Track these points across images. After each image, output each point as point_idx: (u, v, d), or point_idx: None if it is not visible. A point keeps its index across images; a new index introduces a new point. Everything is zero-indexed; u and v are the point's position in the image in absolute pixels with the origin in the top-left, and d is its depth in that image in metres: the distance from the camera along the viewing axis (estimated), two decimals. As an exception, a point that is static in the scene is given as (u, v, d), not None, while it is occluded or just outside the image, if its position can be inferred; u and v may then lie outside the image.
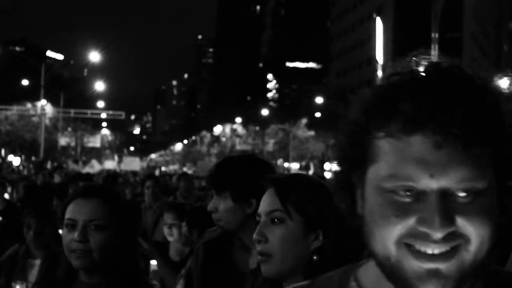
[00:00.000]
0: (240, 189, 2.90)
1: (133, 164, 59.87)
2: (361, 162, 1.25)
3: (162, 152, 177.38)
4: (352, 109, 1.28)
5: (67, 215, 2.54)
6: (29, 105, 60.16)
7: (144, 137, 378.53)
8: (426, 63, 1.22)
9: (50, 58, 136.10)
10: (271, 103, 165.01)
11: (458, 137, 1.12)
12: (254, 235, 2.11)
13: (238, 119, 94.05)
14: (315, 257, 2.05)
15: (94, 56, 51.05)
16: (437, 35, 46.57)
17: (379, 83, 1.25)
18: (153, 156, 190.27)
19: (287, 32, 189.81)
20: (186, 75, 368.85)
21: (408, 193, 1.14)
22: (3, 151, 67.17)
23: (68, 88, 65.13)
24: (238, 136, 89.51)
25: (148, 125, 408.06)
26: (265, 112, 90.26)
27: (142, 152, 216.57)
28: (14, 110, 59.64)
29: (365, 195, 1.24)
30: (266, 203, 2.14)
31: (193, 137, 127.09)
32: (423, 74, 1.20)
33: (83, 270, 2.54)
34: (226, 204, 2.93)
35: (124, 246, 2.58)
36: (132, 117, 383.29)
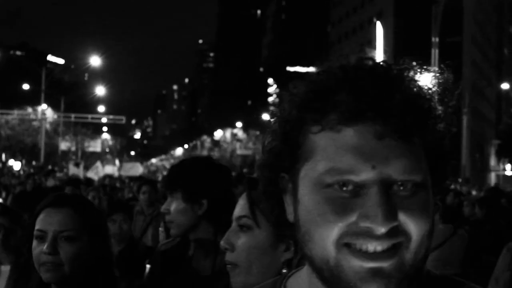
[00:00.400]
0: (190, 189, 2.87)
1: (133, 169, 59.12)
2: (294, 161, 1.20)
3: (163, 157, 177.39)
4: (282, 107, 1.24)
5: (36, 226, 2.40)
6: (29, 110, 60.20)
7: (145, 141, 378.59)
8: (355, 59, 1.19)
9: (51, 62, 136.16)
10: (272, 108, 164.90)
11: (399, 127, 1.10)
12: (221, 242, 1.95)
13: (239, 124, 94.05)
14: (284, 270, 1.80)
15: (95, 61, 51.10)
16: (437, 39, 46.59)
17: (310, 79, 1.20)
18: (153, 160, 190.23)
19: (287, 36, 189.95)
20: (186, 80, 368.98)
21: (348, 187, 1.10)
22: (3, 156, 67.16)
23: (69, 93, 65.08)
24: (239, 140, 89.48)
25: (149, 130, 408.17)
26: (265, 116, 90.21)
27: (142, 157, 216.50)
28: (14, 115, 59.66)
29: (299, 196, 1.17)
30: (238, 207, 1.96)
31: (194, 142, 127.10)
32: (355, 68, 1.17)
33: (54, 283, 2.39)
34: (178, 205, 2.89)
35: (97, 257, 2.43)
36: (133, 121, 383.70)
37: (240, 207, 1.95)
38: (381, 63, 1.19)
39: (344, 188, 1.10)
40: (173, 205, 2.90)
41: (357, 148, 1.09)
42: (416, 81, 1.17)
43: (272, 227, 1.83)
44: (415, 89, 1.16)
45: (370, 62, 1.19)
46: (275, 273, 1.81)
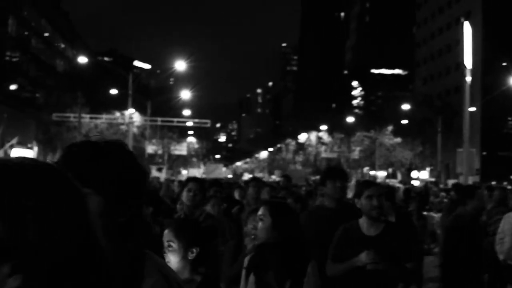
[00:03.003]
0: None
1: (216, 171, 58.84)
2: None
3: (248, 160, 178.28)
4: None
5: None
6: (117, 114, 61.31)
7: (230, 145, 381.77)
8: None
9: (137, 67, 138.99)
10: (357, 110, 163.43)
11: None
12: None
13: (323, 127, 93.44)
14: None
15: (180, 65, 51.59)
16: (529, 38, 45.00)
17: None
18: (238, 163, 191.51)
19: (372, 38, 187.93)
20: (270, 83, 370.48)
21: None
22: (92, 159, 68.70)
23: (155, 97, 66.05)
24: (324, 143, 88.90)
25: (234, 133, 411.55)
26: (350, 119, 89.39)
27: (227, 160, 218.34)
28: (103, 119, 60.90)
29: None
30: None
31: (278, 145, 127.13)
32: None
33: None
34: None
35: None
36: (218, 125, 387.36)
37: None
38: None
39: None
40: None
41: None
42: None
43: None
44: None
45: None
46: None
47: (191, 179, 7.43)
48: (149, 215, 6.02)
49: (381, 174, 77.41)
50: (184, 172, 79.31)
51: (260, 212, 4.50)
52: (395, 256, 5.43)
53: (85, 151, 1.92)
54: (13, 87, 61.90)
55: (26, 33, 68.20)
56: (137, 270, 1.87)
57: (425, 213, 21.58)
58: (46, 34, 76.15)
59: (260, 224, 4.44)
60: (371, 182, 6.02)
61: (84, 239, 1.20)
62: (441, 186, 39.25)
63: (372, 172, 78.87)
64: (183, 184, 7.56)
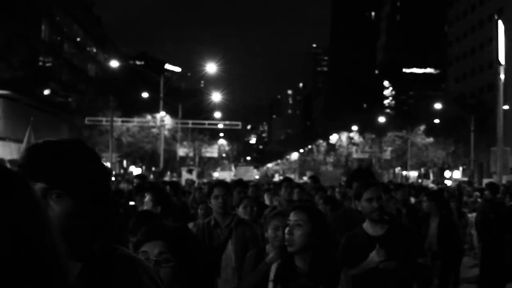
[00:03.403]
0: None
1: (247, 174, 58.60)
2: None
3: (279, 161, 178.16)
4: None
5: None
6: (149, 117, 61.62)
7: (260, 146, 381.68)
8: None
9: (168, 70, 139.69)
10: (388, 110, 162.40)
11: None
12: None
13: (355, 127, 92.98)
14: None
15: (211, 68, 51.69)
16: None
17: None
18: (269, 165, 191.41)
19: (403, 37, 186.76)
20: (301, 84, 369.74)
21: None
22: (124, 162, 69.21)
23: (186, 100, 66.20)
24: (355, 144, 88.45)
25: (264, 135, 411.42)
26: (382, 119, 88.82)
27: (258, 162, 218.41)
28: (135, 122, 61.26)
29: None
30: None
31: (309, 146, 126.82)
32: None
33: None
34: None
35: None
36: (248, 127, 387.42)
37: None
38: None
39: None
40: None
41: None
42: None
43: None
44: None
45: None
46: None
47: (215, 185, 6.86)
48: (157, 215, 5.90)
49: (413, 174, 76.83)
50: (215, 174, 79.50)
51: (296, 218, 4.25)
52: (405, 254, 5.30)
53: (47, 152, 1.87)
54: (46, 91, 62.53)
55: (58, 38, 68.89)
56: (112, 271, 1.84)
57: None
58: (78, 39, 76.89)
59: (297, 230, 4.20)
60: (370, 183, 5.78)
61: (26, 240, 1.15)
62: (475, 185, 38.79)
63: (404, 172, 78.33)
64: (208, 190, 6.92)
